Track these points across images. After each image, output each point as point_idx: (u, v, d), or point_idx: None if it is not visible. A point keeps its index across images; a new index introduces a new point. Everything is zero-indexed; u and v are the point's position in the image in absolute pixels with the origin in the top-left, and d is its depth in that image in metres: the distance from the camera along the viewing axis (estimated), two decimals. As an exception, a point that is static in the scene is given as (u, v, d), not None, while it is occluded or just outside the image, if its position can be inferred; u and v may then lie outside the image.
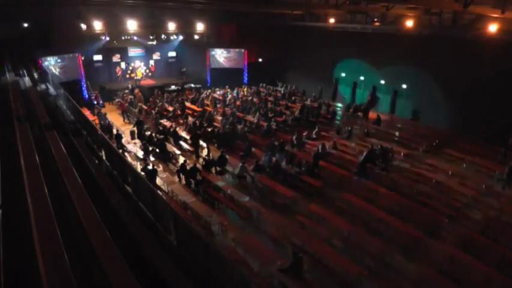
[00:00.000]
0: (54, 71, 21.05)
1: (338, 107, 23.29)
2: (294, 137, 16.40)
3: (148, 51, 27.83)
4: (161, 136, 16.04)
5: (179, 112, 20.37)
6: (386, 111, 22.05)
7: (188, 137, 16.37)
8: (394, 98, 22.13)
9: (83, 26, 22.32)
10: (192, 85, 26.68)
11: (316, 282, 8.18)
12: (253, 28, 27.90)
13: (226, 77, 27.53)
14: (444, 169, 14.03)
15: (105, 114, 18.48)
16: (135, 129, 16.83)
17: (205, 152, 15.67)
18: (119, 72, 26.83)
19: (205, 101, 23.24)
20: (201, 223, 10.02)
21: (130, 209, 6.82)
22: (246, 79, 28.88)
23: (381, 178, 13.42)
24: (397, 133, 18.70)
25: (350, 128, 18.01)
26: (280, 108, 22.00)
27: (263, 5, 20.75)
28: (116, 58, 26.77)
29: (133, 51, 27.32)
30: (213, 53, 27.94)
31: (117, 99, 23.13)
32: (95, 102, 22.24)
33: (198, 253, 5.66)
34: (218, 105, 22.52)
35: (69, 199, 5.59)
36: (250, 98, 24.06)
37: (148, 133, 16.35)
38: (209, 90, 25.97)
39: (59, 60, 21.51)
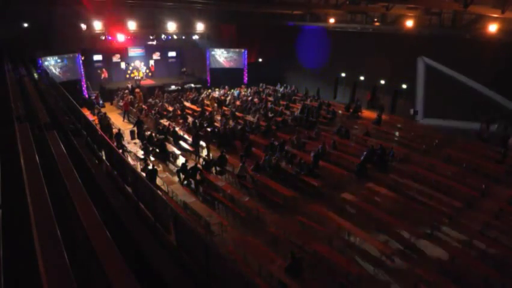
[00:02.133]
0: (54, 71, 21.06)
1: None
2: (294, 137, 16.40)
3: (148, 51, 27.83)
4: (161, 136, 16.05)
5: (178, 112, 20.38)
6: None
7: (188, 137, 16.38)
8: (394, 98, 22.15)
9: (83, 26, 22.32)
10: (192, 85, 26.69)
11: (317, 282, 8.18)
12: (253, 28, 27.89)
13: (226, 77, 27.56)
14: (444, 169, 14.04)
15: (105, 114, 18.49)
16: (135, 129, 16.85)
17: (205, 152, 15.68)
18: (104, 75, 25.46)
19: (205, 101, 23.26)
20: (201, 223, 10.03)
21: (130, 209, 6.81)
22: (246, 79, 28.87)
23: (381, 178, 13.44)
24: (397, 133, 18.71)
25: (343, 128, 17.99)
26: (281, 108, 22.00)
27: (263, 5, 20.75)
28: (116, 58, 26.76)
29: (133, 51, 27.32)
30: (213, 53, 27.95)
31: (116, 99, 23.15)
32: (96, 102, 22.26)
33: (198, 253, 5.65)
34: (216, 105, 22.52)
35: (69, 199, 5.59)
36: (250, 98, 24.08)
37: (148, 133, 16.37)
38: (209, 90, 25.99)
39: (59, 60, 21.52)
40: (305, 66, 26.92)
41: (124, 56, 26.73)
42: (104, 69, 25.49)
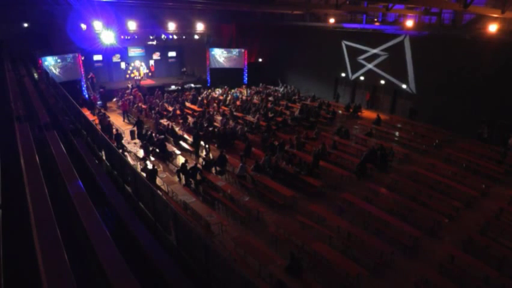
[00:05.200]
0: (54, 71, 21.04)
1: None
2: (294, 137, 16.40)
3: (148, 51, 27.80)
4: (161, 136, 16.05)
5: (178, 112, 20.38)
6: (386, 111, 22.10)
7: (188, 137, 16.38)
8: (394, 98, 22.15)
9: (83, 26, 22.31)
10: (192, 85, 26.70)
11: (316, 282, 8.18)
12: (253, 28, 27.87)
13: (226, 77, 27.56)
14: (444, 169, 14.04)
15: (105, 114, 18.48)
16: (135, 129, 16.84)
17: (205, 152, 15.67)
18: (93, 79, 24.92)
19: (205, 101, 23.25)
20: (201, 223, 10.02)
21: (130, 209, 6.81)
22: (246, 79, 28.88)
23: (381, 178, 13.43)
24: (397, 133, 18.71)
25: (343, 128, 17.98)
26: (281, 108, 22.00)
27: (263, 5, 20.75)
28: (116, 58, 26.75)
29: (133, 51, 27.34)
30: (213, 53, 27.95)
31: (115, 99, 23.14)
32: (96, 102, 22.23)
33: (198, 253, 5.66)
34: (215, 105, 22.52)
35: (69, 199, 5.59)
36: (250, 98, 24.07)
37: (148, 133, 16.36)
38: (209, 90, 26.00)
39: (59, 60, 21.51)
40: (305, 66, 26.90)
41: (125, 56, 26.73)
42: (91, 74, 25.26)
